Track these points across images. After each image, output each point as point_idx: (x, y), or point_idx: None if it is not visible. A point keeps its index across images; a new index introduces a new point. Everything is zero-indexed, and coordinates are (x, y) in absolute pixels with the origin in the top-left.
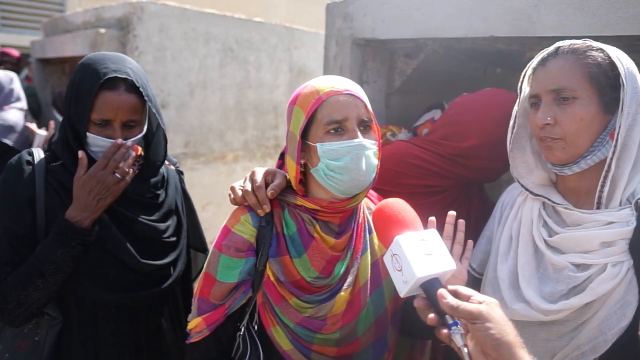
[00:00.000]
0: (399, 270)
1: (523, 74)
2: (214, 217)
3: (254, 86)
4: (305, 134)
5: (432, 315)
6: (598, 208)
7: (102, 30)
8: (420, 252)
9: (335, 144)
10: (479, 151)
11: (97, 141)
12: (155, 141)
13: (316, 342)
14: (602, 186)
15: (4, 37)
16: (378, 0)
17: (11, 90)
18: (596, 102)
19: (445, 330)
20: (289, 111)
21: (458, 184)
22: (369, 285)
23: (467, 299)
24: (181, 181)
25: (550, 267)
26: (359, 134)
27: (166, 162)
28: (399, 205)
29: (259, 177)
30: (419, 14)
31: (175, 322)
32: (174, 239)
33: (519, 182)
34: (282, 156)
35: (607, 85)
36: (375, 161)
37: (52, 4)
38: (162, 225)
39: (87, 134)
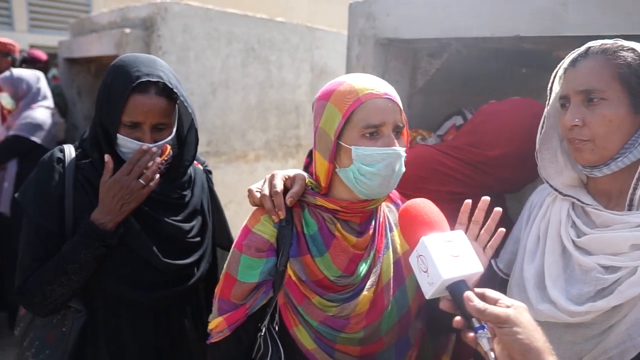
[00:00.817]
0: (424, 272)
1: (554, 74)
2: (236, 215)
3: (276, 86)
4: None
5: (458, 317)
6: (630, 210)
7: (127, 31)
8: (446, 254)
9: (371, 150)
10: (505, 161)
11: (126, 143)
12: (187, 141)
13: (340, 341)
14: (635, 188)
15: (34, 38)
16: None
17: (38, 89)
18: (627, 103)
19: (471, 334)
20: (320, 106)
21: (480, 192)
22: (391, 285)
23: (494, 302)
24: (209, 180)
25: (577, 268)
26: (395, 141)
27: (194, 161)
28: (425, 205)
29: (278, 182)
30: (444, 14)
31: (197, 321)
32: (198, 239)
33: (547, 182)
34: (310, 154)
35: (638, 85)
36: (403, 169)
37: (79, 4)
38: (186, 226)
39: (118, 135)
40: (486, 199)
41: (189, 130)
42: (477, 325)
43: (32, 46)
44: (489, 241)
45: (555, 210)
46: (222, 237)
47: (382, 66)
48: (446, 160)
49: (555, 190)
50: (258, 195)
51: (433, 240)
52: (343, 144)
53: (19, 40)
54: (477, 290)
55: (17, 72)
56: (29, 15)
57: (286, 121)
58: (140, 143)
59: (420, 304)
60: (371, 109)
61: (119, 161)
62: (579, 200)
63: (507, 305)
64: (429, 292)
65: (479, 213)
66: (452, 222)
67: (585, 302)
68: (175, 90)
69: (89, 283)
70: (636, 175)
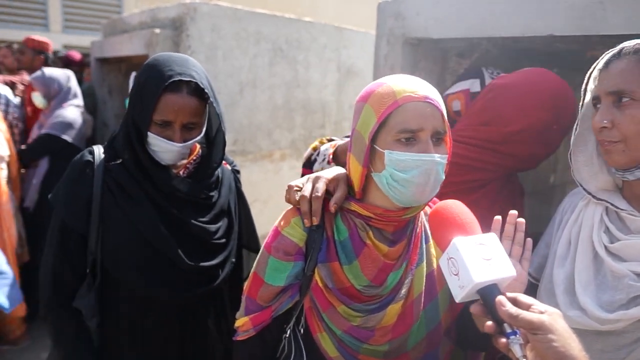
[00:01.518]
0: (455, 275)
1: (587, 75)
2: (260, 214)
3: (302, 85)
4: (373, 136)
5: (489, 322)
6: None
7: (157, 31)
8: (478, 257)
9: (404, 155)
10: (522, 136)
11: (157, 141)
12: (215, 142)
13: (363, 352)
14: None
15: (68, 39)
16: None
17: (69, 89)
18: None
19: (503, 340)
20: (358, 108)
21: (498, 175)
22: (422, 298)
23: (527, 307)
24: (237, 180)
25: (609, 274)
26: (431, 147)
27: (222, 162)
28: (456, 207)
29: (321, 186)
30: (474, 13)
31: (221, 321)
32: (223, 240)
33: (581, 186)
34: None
35: None
36: (442, 177)
37: (111, 5)
38: (212, 227)
39: (148, 133)
40: (513, 213)
41: (218, 132)
42: (509, 330)
43: (66, 46)
44: (522, 254)
45: (587, 215)
46: (248, 237)
47: (411, 66)
48: (457, 149)
49: (589, 194)
50: (297, 195)
51: (465, 242)
52: (377, 147)
53: (54, 40)
54: (509, 294)
55: (49, 71)
56: (64, 16)
57: (312, 121)
58: (171, 142)
59: (452, 320)
60: (408, 112)
61: (149, 159)
62: (613, 204)
63: (541, 311)
64: (459, 296)
65: (509, 227)
66: (476, 212)
67: (617, 309)
68: (206, 90)
69: (116, 281)
70: None
